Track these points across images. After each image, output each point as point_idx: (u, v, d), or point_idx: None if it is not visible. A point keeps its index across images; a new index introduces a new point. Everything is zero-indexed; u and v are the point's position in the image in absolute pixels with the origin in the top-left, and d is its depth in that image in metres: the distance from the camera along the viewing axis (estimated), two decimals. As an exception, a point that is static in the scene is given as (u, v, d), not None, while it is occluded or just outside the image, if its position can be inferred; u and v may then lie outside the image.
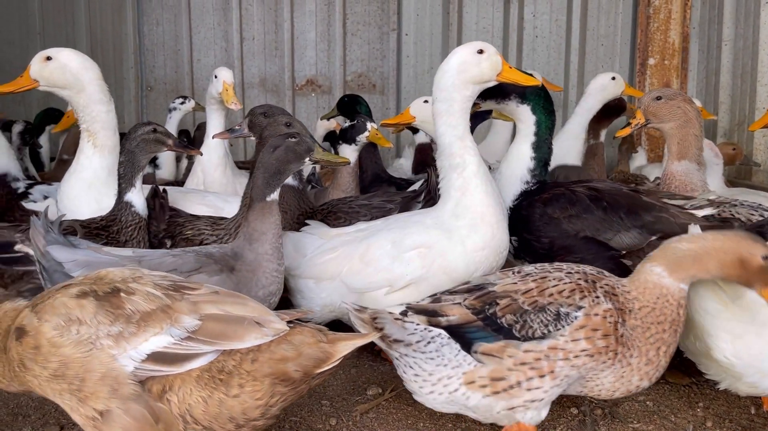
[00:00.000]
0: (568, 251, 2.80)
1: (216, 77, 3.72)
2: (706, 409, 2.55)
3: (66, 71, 3.07)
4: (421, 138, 5.28)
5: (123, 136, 2.98)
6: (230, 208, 3.33)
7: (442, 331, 2.12)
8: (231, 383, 1.76)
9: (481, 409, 2.12)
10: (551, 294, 2.05)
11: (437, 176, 3.18)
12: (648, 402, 2.61)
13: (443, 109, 2.61)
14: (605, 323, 2.04)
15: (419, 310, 2.16)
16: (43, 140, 5.33)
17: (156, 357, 1.73)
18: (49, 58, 3.06)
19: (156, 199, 2.95)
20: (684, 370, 2.86)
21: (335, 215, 3.26)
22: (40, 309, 1.79)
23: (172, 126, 5.16)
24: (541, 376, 2.03)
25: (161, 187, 3.11)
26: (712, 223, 2.71)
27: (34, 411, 2.53)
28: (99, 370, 1.72)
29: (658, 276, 2.08)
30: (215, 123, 3.82)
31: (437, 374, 2.12)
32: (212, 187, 3.75)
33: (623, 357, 2.06)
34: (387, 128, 4.28)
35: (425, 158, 5.23)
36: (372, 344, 3.04)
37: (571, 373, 2.06)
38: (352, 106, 4.55)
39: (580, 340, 2.01)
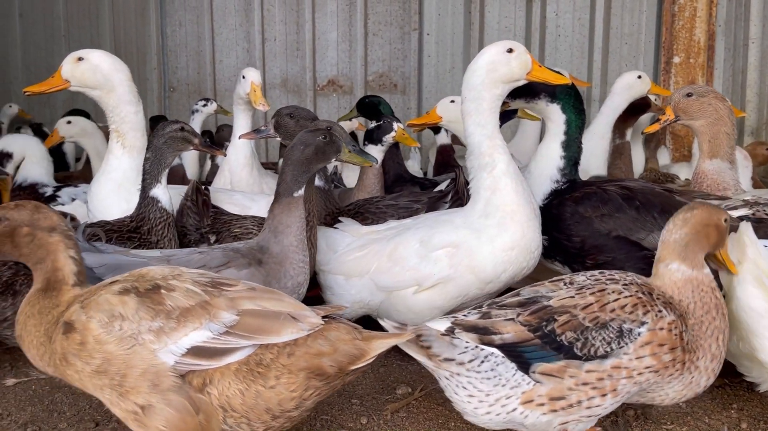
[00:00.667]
0: (599, 250, 2.78)
1: (243, 78, 3.74)
2: (741, 410, 2.52)
3: (97, 72, 3.11)
4: (442, 139, 5.27)
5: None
6: (257, 207, 3.35)
7: (495, 350, 1.99)
8: (268, 376, 1.80)
9: (537, 426, 2.03)
10: (613, 310, 1.97)
11: (465, 176, 3.18)
12: (681, 404, 2.58)
13: (472, 108, 2.60)
14: (671, 336, 1.98)
15: (468, 327, 2.00)
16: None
17: (195, 352, 1.76)
18: (80, 59, 3.10)
19: (198, 194, 2.96)
20: (717, 371, 2.83)
21: (362, 215, 3.27)
22: (87, 305, 1.82)
23: (194, 127, 5.19)
24: (603, 395, 1.96)
25: (202, 185, 3.13)
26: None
27: (69, 407, 2.56)
28: (140, 366, 1.76)
29: (680, 272, 2.08)
30: (242, 123, 3.84)
31: (495, 394, 1.99)
32: (239, 186, 3.78)
33: (691, 364, 2.02)
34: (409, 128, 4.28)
35: (447, 159, 5.22)
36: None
37: (633, 389, 2.00)
38: (372, 107, 4.53)
39: (645, 357, 1.95)
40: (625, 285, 2.05)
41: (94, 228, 2.80)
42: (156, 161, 2.83)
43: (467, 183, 3.41)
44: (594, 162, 4.29)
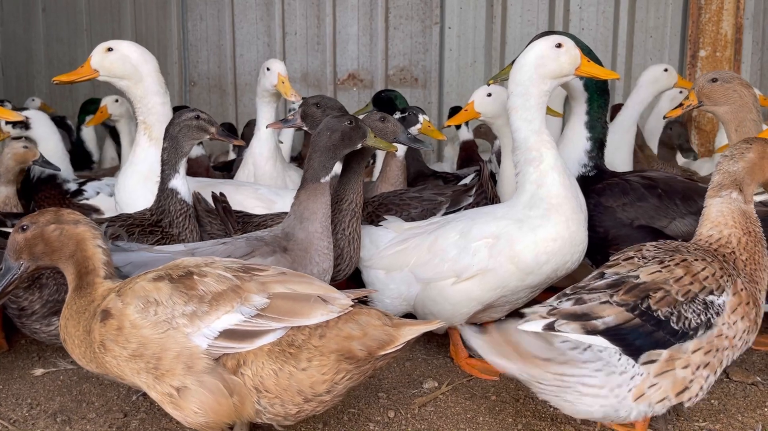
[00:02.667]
0: (622, 240, 2.78)
1: (269, 70, 3.72)
2: (775, 409, 2.48)
3: (126, 62, 3.11)
4: (464, 134, 5.23)
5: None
6: (282, 202, 3.34)
7: (599, 338, 1.89)
8: (300, 357, 1.82)
9: (649, 411, 2.00)
10: (703, 280, 1.95)
11: (490, 170, 3.16)
12: (713, 401, 2.54)
13: (519, 104, 2.58)
14: (748, 295, 2.01)
15: (566, 316, 1.90)
16: (89, 130, 5.41)
17: (228, 335, 1.79)
18: (110, 49, 3.11)
19: (218, 203, 2.93)
20: (748, 368, 2.79)
21: (386, 207, 3.25)
22: (123, 293, 1.85)
23: None
24: (711, 368, 1.97)
25: (218, 191, 3.10)
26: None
27: (97, 397, 2.57)
28: (174, 349, 1.79)
29: (738, 201, 2.10)
30: (266, 116, 3.82)
31: (608, 385, 1.92)
32: (263, 179, 3.77)
33: (757, 300, 2.05)
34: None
35: (471, 154, 5.19)
36: (428, 336, 3.04)
37: (734, 354, 2.03)
38: (388, 101, 4.46)
39: (737, 322, 1.97)
40: (703, 253, 2.05)
41: (114, 228, 2.80)
42: (173, 150, 2.78)
43: (492, 176, 3.39)
44: (619, 156, 4.22)
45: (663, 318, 1.91)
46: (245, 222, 3.00)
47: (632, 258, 2.08)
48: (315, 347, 1.82)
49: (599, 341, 1.90)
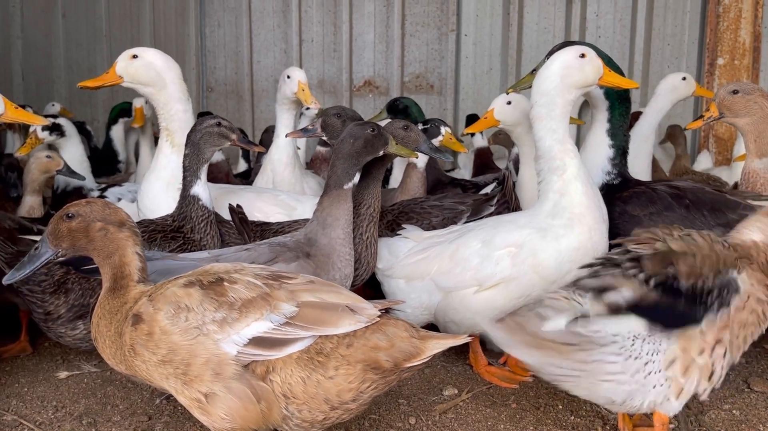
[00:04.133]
0: None
1: (289, 77, 3.76)
2: (797, 420, 2.47)
3: (151, 69, 3.16)
4: (479, 142, 5.25)
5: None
6: (302, 208, 3.37)
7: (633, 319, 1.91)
8: (328, 365, 1.83)
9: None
10: (723, 255, 1.98)
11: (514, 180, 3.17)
12: (734, 411, 2.54)
13: (543, 113, 2.60)
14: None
15: (588, 289, 1.94)
16: (118, 130, 5.47)
17: (257, 342, 1.80)
18: (135, 56, 3.15)
19: (234, 215, 2.97)
20: (770, 379, 2.78)
21: (406, 215, 3.27)
22: (154, 298, 1.87)
23: None
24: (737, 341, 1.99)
25: (240, 197, 3.13)
26: None
27: (122, 400, 2.60)
28: (203, 355, 1.80)
29: None
30: (286, 123, 3.86)
31: (631, 369, 1.94)
32: (281, 185, 3.80)
33: None
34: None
35: (486, 161, 5.21)
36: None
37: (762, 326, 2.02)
38: (402, 109, 4.48)
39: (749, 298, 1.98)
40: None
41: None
42: (194, 157, 2.82)
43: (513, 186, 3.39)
44: (638, 165, 4.21)
45: (686, 288, 1.91)
46: (263, 230, 3.03)
47: (654, 235, 2.08)
48: (342, 356, 1.83)
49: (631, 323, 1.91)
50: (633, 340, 1.95)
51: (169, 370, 1.83)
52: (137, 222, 2.89)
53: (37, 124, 2.96)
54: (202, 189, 2.84)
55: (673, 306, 1.92)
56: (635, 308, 1.93)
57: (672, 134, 5.29)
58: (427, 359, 1.88)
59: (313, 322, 1.81)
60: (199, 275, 1.91)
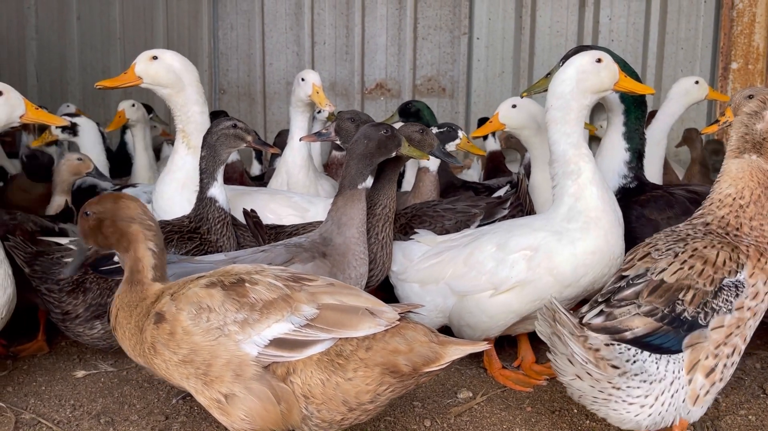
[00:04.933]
0: None
1: (303, 80, 3.78)
2: (814, 426, 2.46)
3: (170, 71, 3.18)
4: (491, 145, 5.24)
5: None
6: (315, 210, 3.38)
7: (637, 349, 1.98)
8: (347, 368, 1.84)
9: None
10: (724, 263, 2.00)
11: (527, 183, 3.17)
12: (750, 417, 2.53)
13: (558, 117, 2.61)
14: (756, 251, 2.05)
15: (598, 329, 1.98)
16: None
17: (278, 343, 1.82)
18: (155, 58, 3.18)
19: (248, 218, 2.98)
20: (786, 385, 2.77)
21: (420, 218, 3.28)
22: (177, 298, 1.89)
23: None
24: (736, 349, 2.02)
25: (254, 199, 3.15)
26: None
27: (138, 400, 2.62)
28: (224, 356, 1.82)
29: (758, 162, 2.14)
30: (300, 125, 3.88)
31: (654, 392, 1.99)
32: (296, 187, 3.82)
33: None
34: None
35: (498, 165, 5.20)
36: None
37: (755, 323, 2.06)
38: (414, 112, 4.49)
39: (757, 282, 2.01)
40: (705, 236, 2.09)
41: None
42: (211, 159, 2.84)
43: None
44: (650, 169, 4.20)
45: (690, 318, 1.97)
46: (277, 233, 3.05)
47: (648, 255, 2.12)
48: (361, 359, 1.84)
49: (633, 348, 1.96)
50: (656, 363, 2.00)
51: (190, 370, 1.84)
52: (161, 222, 2.93)
53: (57, 124, 2.99)
54: (218, 191, 2.86)
55: (678, 332, 1.97)
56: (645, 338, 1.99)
57: (688, 137, 5.27)
58: (446, 365, 1.89)
59: (333, 325, 1.82)
60: (221, 275, 1.92)
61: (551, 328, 1.98)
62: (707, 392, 2.02)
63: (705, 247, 2.04)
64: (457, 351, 1.88)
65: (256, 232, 2.97)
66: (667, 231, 2.20)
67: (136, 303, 1.96)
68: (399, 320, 1.88)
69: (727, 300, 1.99)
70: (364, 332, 1.83)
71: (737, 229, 2.09)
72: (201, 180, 2.88)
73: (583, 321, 2.02)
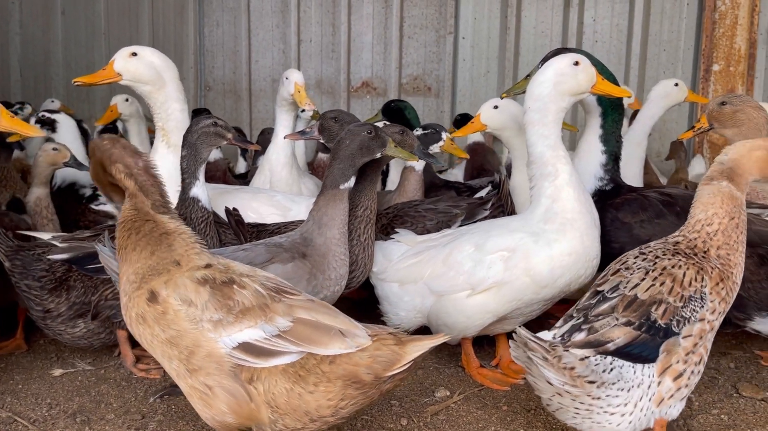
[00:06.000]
0: None
1: (287, 79, 3.79)
2: (784, 425, 2.50)
3: (151, 68, 3.17)
4: (473, 137, 5.23)
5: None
6: (297, 209, 3.39)
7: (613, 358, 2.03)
8: (308, 380, 1.87)
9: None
10: (690, 283, 2.08)
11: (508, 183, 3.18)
12: (723, 416, 2.57)
13: (536, 119, 2.63)
14: (718, 274, 2.13)
15: (583, 345, 2.03)
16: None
17: (246, 348, 1.85)
18: (134, 54, 3.16)
19: (231, 217, 2.98)
20: (758, 384, 2.81)
21: (401, 219, 3.29)
22: (170, 282, 1.91)
23: None
24: (701, 359, 2.09)
25: (231, 206, 3.14)
26: None
27: (115, 399, 2.62)
28: (206, 347, 1.85)
29: (728, 188, 2.19)
30: (285, 124, 3.89)
31: (632, 400, 2.03)
32: (278, 185, 3.82)
33: (732, 283, 2.15)
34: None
35: (481, 160, 5.20)
36: (440, 345, 3.08)
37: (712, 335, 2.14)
38: (397, 112, 4.49)
39: (714, 301, 2.09)
40: (675, 255, 2.16)
41: None
42: (192, 158, 2.82)
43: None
44: (630, 170, 4.24)
45: (664, 326, 2.04)
46: (260, 231, 3.05)
47: (618, 271, 2.18)
48: (323, 373, 1.86)
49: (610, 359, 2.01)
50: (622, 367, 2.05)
51: (174, 352, 1.88)
52: None
53: (31, 135, 2.94)
54: (201, 190, 2.83)
55: (654, 339, 2.04)
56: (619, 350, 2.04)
57: (673, 150, 5.36)
58: (407, 365, 1.88)
59: (303, 339, 1.85)
60: (218, 271, 1.94)
61: (525, 354, 2.00)
62: (671, 396, 2.06)
63: (673, 266, 2.11)
64: (416, 348, 1.87)
65: (238, 231, 2.96)
66: (642, 247, 2.24)
67: (151, 231, 1.99)
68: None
69: (694, 310, 2.06)
70: (333, 351, 1.85)
71: (705, 252, 2.16)
72: (183, 179, 2.86)
73: (564, 338, 2.06)
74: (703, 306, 2.07)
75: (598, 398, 2.02)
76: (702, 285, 2.09)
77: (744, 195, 2.22)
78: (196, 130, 2.84)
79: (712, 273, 2.11)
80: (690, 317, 2.05)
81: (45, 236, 2.89)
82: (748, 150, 2.22)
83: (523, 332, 1.97)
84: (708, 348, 2.13)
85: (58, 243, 2.75)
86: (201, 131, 2.83)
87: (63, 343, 2.95)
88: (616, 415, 2.03)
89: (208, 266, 1.95)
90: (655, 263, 2.13)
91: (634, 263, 2.16)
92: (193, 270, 1.93)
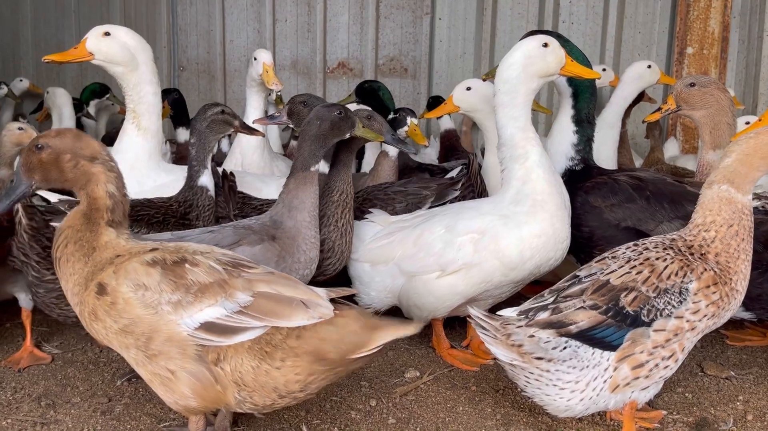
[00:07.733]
0: (608, 242, 2.79)
1: (255, 59, 3.74)
2: (746, 403, 2.55)
3: (124, 48, 3.11)
4: (446, 124, 5.23)
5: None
6: (268, 190, 3.36)
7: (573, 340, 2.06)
8: (275, 356, 1.85)
9: (619, 400, 2.13)
10: (669, 277, 2.06)
11: (479, 164, 3.19)
12: (687, 394, 2.61)
13: (506, 101, 2.62)
14: (711, 277, 2.09)
15: (545, 325, 2.06)
16: (90, 112, 5.40)
17: (208, 327, 1.82)
18: (107, 34, 3.10)
19: (225, 181, 2.95)
20: (723, 363, 2.86)
21: (371, 202, 3.28)
22: (118, 270, 1.86)
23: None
24: (673, 356, 2.08)
25: (228, 170, 3.11)
26: (758, 217, 2.68)
27: (82, 382, 2.59)
28: (165, 331, 1.82)
29: (728, 193, 2.15)
30: (256, 105, 3.84)
31: (584, 379, 2.06)
32: (250, 168, 3.78)
33: (730, 289, 2.12)
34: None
35: (454, 144, 5.21)
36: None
37: (696, 338, 2.12)
38: (371, 92, 4.44)
39: (700, 302, 2.06)
40: (666, 249, 2.13)
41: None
42: (201, 146, 2.81)
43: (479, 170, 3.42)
44: (604, 151, 4.26)
45: (632, 313, 2.04)
46: (244, 203, 3.04)
47: (604, 259, 2.18)
48: (290, 348, 1.84)
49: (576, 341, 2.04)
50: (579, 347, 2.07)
51: (130, 341, 1.85)
52: (135, 201, 2.81)
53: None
54: (208, 179, 2.84)
55: (620, 326, 2.05)
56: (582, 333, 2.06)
57: (648, 129, 5.38)
58: (375, 350, 1.87)
59: (266, 313, 1.82)
60: (168, 252, 1.90)
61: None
62: (627, 384, 2.07)
63: (657, 259, 2.10)
64: (385, 335, 1.86)
65: (228, 196, 2.97)
66: (631, 243, 2.23)
67: (87, 242, 1.93)
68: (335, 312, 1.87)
69: (669, 303, 2.04)
70: (296, 323, 1.82)
71: (702, 254, 2.13)
72: (191, 167, 2.85)
73: (527, 316, 2.08)
74: (681, 303, 2.04)
75: (547, 371, 2.06)
76: (683, 282, 2.05)
77: (749, 196, 2.17)
78: (205, 118, 2.83)
79: (702, 274, 2.07)
80: (664, 310, 2.03)
81: (52, 198, 2.80)
82: (758, 146, 2.13)
83: (473, 311, 2.04)
84: (686, 348, 2.11)
85: (65, 209, 2.67)
86: (211, 119, 2.83)
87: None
88: (566, 391, 2.06)
89: (154, 249, 1.92)
90: (641, 254, 2.13)
91: (623, 254, 2.16)
92: (141, 254, 1.90)
